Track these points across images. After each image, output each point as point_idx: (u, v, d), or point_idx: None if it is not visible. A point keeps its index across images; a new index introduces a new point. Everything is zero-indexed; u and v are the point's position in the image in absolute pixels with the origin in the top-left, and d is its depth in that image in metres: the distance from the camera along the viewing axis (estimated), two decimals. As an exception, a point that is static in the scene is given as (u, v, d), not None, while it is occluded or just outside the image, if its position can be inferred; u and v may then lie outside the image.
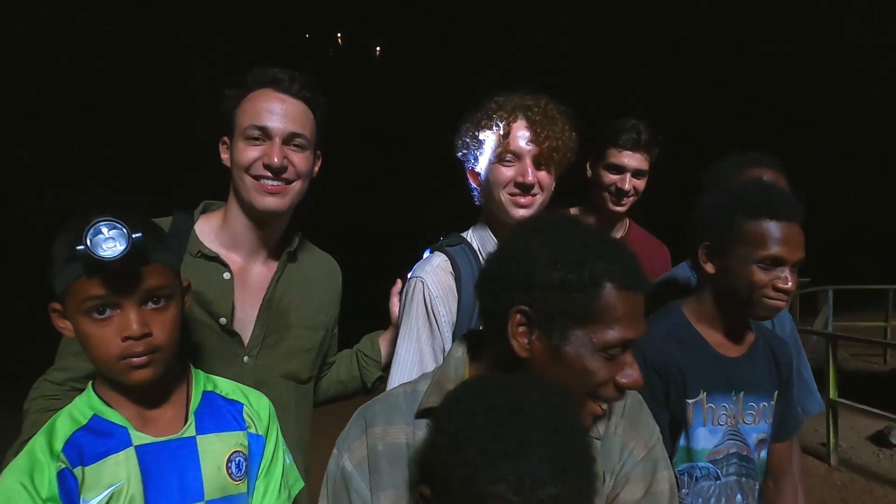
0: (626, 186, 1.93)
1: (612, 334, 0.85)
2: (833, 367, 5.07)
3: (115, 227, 0.91)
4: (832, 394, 5.02)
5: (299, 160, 1.37)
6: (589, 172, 2.02)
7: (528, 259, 0.87)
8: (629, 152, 1.92)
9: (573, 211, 2.09)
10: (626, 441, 1.01)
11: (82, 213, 0.96)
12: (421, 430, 0.93)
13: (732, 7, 19.18)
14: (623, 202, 1.97)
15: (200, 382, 1.14)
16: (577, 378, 0.87)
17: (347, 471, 0.96)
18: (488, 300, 0.93)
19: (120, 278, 0.94)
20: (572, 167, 1.58)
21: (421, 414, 0.94)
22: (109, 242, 0.90)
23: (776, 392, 1.33)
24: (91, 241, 0.89)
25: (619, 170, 1.94)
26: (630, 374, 0.88)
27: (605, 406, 0.91)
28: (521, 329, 0.88)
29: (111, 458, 0.99)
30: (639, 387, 0.90)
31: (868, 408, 4.94)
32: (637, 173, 1.95)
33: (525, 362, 0.89)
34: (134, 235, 0.92)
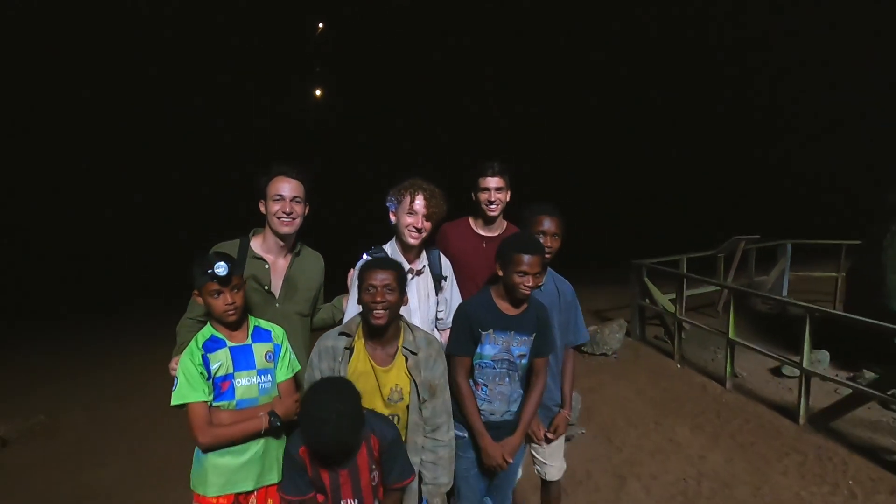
0: (492, 198, 3.00)
1: (366, 285, 2.23)
2: (732, 312, 6.18)
3: (223, 261, 2.22)
4: (731, 333, 6.15)
5: (298, 208, 2.65)
6: (473, 196, 3.12)
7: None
8: (489, 177, 3.00)
9: (470, 219, 3.23)
10: (436, 360, 2.36)
11: (203, 254, 2.26)
12: (339, 340, 2.30)
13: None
14: (492, 209, 3.02)
15: (252, 321, 2.46)
16: (367, 306, 2.24)
17: (312, 356, 2.34)
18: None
19: (223, 282, 2.24)
20: (447, 214, 2.82)
21: (340, 334, 2.31)
22: (221, 268, 2.20)
23: (534, 333, 2.57)
24: (214, 268, 2.21)
25: (486, 189, 3.01)
26: (376, 299, 2.22)
27: (378, 314, 2.22)
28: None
29: (219, 351, 2.31)
30: (375, 308, 2.23)
31: (758, 348, 6.07)
32: (497, 189, 3.00)
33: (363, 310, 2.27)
34: (228, 265, 2.25)
